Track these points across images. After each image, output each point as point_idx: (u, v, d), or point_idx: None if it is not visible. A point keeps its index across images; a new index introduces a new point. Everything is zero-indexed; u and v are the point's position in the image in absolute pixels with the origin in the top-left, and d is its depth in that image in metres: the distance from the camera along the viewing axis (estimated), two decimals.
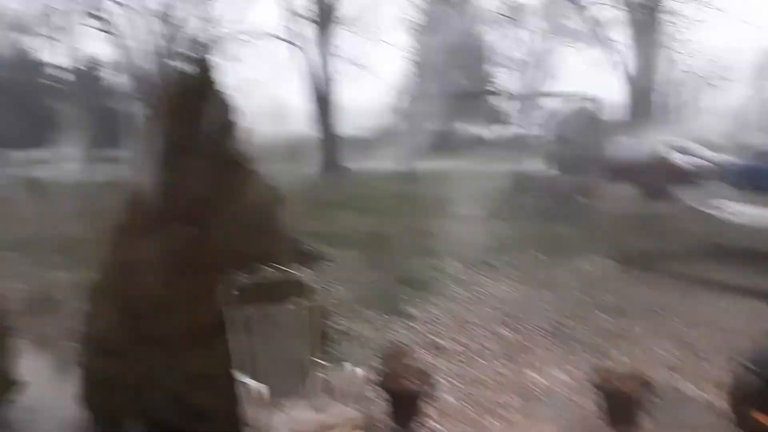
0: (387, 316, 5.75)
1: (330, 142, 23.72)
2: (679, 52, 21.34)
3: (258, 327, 2.97)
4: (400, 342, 4.80)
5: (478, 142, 45.93)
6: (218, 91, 3.56)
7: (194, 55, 3.71)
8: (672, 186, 15.55)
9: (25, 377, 3.56)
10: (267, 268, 3.06)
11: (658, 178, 15.33)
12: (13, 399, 3.45)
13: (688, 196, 13.68)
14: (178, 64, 3.83)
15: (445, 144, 43.18)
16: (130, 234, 3.40)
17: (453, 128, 47.37)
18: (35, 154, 16.96)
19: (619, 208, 13.19)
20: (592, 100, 13.59)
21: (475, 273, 7.53)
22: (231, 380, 2.86)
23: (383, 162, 20.53)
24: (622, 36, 17.86)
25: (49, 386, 3.73)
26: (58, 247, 8.23)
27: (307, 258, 7.90)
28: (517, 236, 10.05)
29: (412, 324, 5.59)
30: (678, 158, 19.03)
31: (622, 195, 16.33)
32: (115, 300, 3.29)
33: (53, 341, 4.54)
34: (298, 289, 3.14)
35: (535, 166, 16.10)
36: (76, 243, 7.75)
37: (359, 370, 2.95)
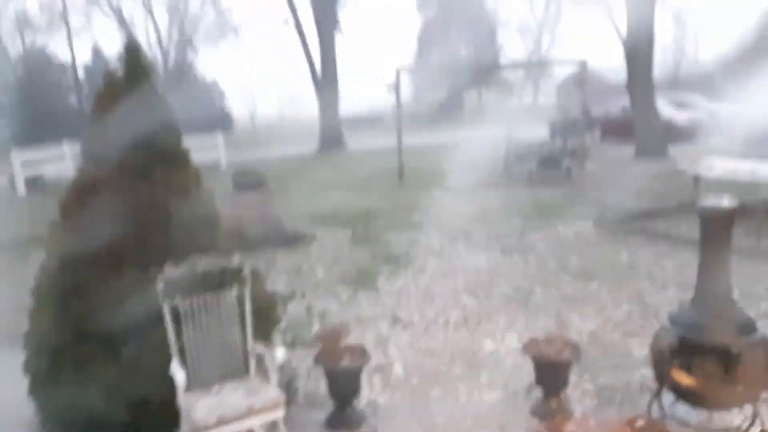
0: (357, 292, 5.83)
1: (332, 121, 23.72)
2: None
3: (193, 316, 3.05)
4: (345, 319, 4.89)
5: (484, 111, 45.62)
6: (150, 87, 3.56)
7: (126, 51, 3.66)
8: (667, 144, 15.40)
9: None
10: (202, 259, 3.12)
11: (652, 136, 15.17)
12: None
13: (682, 154, 13.48)
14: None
15: (450, 114, 42.99)
16: (66, 231, 3.48)
17: (459, 98, 47.06)
18: (45, 151, 17.19)
19: (608, 169, 13.12)
20: (583, 64, 13.36)
21: (452, 244, 7.56)
22: (164, 369, 2.95)
23: (383, 139, 20.48)
24: None
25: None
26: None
27: (295, 239, 8.09)
28: (503, 204, 10.07)
29: (379, 297, 5.66)
30: (674, 115, 18.89)
31: (615, 156, 16.23)
32: (56, 297, 3.39)
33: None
34: (236, 277, 3.19)
35: (537, 132, 16.03)
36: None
37: (281, 352, 3.02)
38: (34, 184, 15.76)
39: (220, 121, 31.45)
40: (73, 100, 28.10)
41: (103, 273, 3.29)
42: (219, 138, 19.13)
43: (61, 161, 16.31)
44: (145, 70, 3.60)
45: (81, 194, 3.53)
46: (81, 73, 27.71)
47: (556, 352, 3.33)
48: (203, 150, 16.79)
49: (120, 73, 3.58)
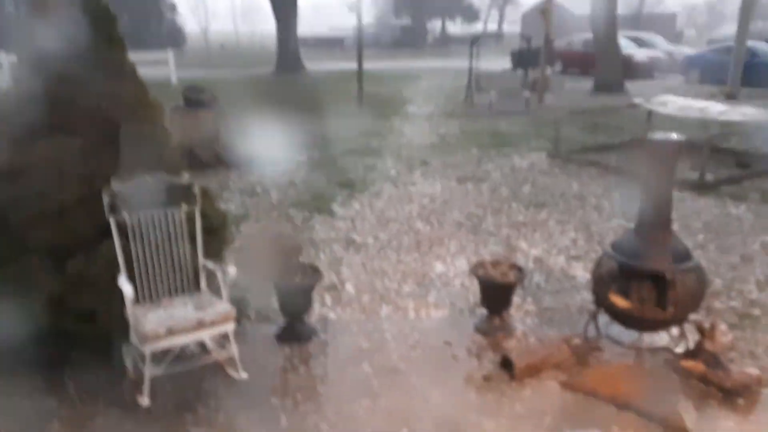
0: (311, 215, 5.83)
1: (289, 41, 22.87)
2: None
3: (141, 231, 3.00)
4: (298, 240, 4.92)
5: (447, 40, 44.80)
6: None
7: None
8: (625, 79, 15.58)
9: None
10: (151, 175, 3.04)
11: (612, 71, 15.29)
12: None
13: (640, 89, 13.70)
14: None
15: (412, 41, 42.03)
16: (9, 143, 3.31)
17: (423, 24, 45.93)
18: None
19: (567, 101, 13.22)
20: None
21: (409, 171, 7.58)
22: (112, 282, 2.92)
23: (343, 62, 19.97)
24: None
25: None
26: None
27: (249, 161, 7.93)
28: (461, 133, 10.09)
29: (334, 221, 5.68)
30: (634, 52, 19.04)
31: (574, 88, 16.35)
32: None
33: None
34: (185, 194, 3.13)
35: (500, 62, 15.90)
36: None
37: (232, 268, 3.02)
38: None
39: (170, 36, 29.85)
40: (9, 5, 26.02)
41: (42, 185, 3.18)
42: (169, 53, 18.25)
43: None
44: None
45: (17, 104, 3.36)
46: None
47: (501, 275, 3.45)
48: (153, 65, 16.06)
49: None
